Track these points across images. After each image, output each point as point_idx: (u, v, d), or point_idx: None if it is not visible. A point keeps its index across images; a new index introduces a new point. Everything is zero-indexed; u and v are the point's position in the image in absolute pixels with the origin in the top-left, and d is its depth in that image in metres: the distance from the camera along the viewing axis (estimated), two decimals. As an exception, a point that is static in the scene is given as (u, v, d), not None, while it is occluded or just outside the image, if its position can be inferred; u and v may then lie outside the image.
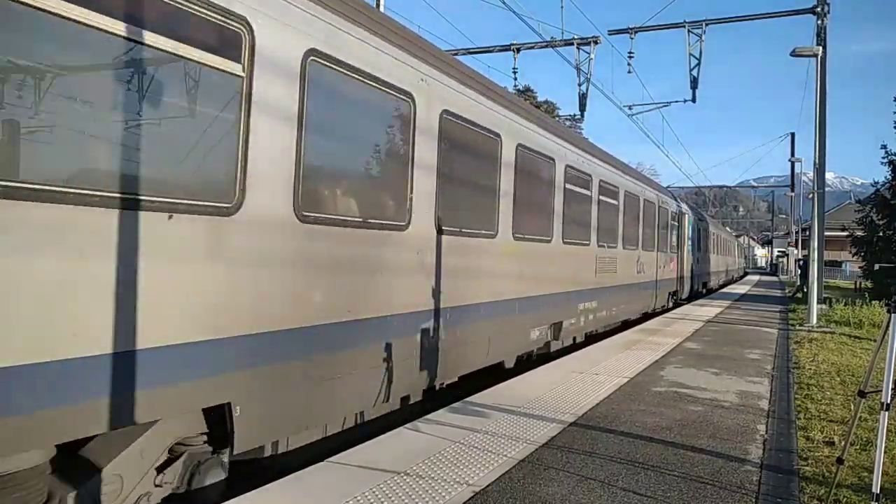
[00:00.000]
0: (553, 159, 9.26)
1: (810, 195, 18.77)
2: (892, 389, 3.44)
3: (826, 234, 19.19)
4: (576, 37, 20.46)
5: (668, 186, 35.33)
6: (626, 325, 13.54)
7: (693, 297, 22.96)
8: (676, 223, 19.29)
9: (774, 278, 54.17)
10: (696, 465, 4.43)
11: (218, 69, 3.72)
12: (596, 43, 20.37)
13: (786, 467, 4.52)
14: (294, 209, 4.30)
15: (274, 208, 4.14)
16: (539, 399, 6.22)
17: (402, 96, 5.52)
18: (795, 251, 42.12)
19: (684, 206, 21.27)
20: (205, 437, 4.00)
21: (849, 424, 4.04)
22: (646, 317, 15.73)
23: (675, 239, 19.10)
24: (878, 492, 3.42)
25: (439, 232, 6.11)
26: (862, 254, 28.09)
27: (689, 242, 21.83)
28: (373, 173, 5.55)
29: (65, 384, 2.93)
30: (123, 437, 3.44)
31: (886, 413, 3.44)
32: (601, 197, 11.40)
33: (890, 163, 26.40)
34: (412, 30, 6.40)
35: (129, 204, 3.19)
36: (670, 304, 19.07)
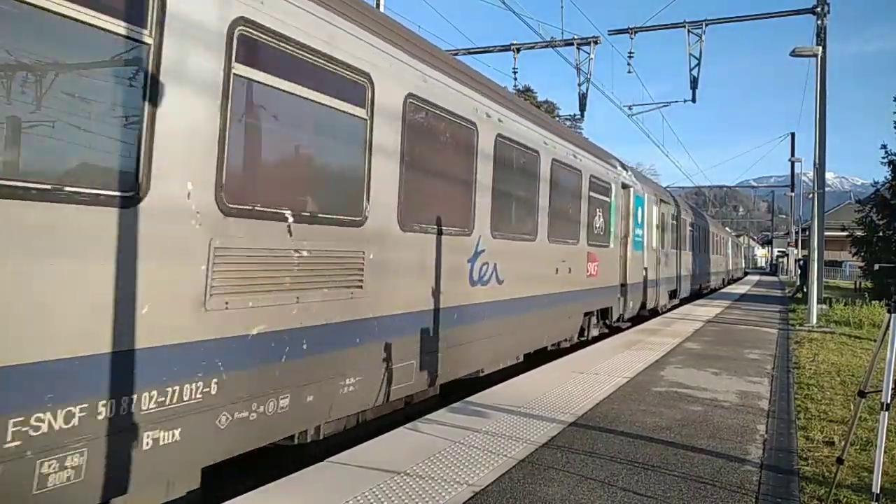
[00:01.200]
0: None
1: (810, 195, 18.77)
2: (892, 389, 3.44)
3: (826, 234, 19.19)
4: (576, 37, 20.53)
5: (667, 186, 35.15)
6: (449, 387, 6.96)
7: (652, 314, 16.00)
8: (610, 199, 12.10)
9: (774, 278, 54.16)
10: (696, 465, 4.43)
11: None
12: (596, 43, 20.41)
13: (786, 467, 4.52)
14: None
15: None
16: (539, 399, 6.22)
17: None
18: (795, 251, 42.16)
19: (627, 175, 13.72)
20: None
21: (849, 424, 4.04)
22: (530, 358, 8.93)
23: (601, 224, 11.48)
24: (878, 492, 3.42)
25: None
26: (862, 254, 28.09)
27: (642, 232, 14.59)
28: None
29: None
30: None
31: (886, 413, 3.44)
32: (345, 105, 4.91)
33: (890, 163, 26.42)
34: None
35: None
36: (593, 334, 11.47)
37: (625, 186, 13.34)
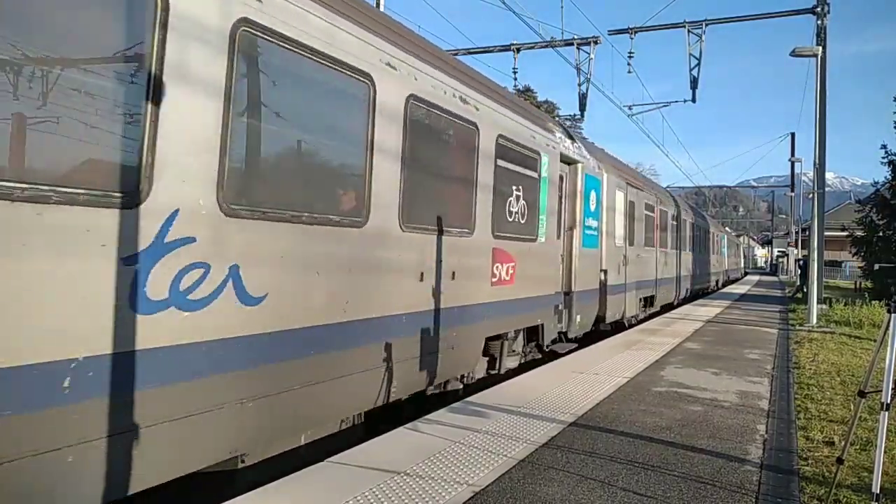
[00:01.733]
0: None
1: (810, 195, 18.77)
2: (892, 389, 3.44)
3: (826, 234, 19.19)
4: (576, 37, 20.53)
5: (667, 186, 35.11)
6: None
7: (617, 328, 12.65)
8: (539, 175, 8.46)
9: (774, 278, 54.17)
10: (696, 465, 4.43)
11: None
12: (596, 43, 20.41)
13: (786, 467, 4.52)
14: None
15: None
16: (539, 399, 6.22)
17: None
18: (795, 251, 42.16)
19: (573, 146, 10.14)
20: None
21: (849, 424, 4.04)
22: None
23: (521, 208, 7.92)
24: (878, 492, 3.42)
25: None
26: (862, 254, 28.11)
27: (598, 223, 11.27)
28: None
29: None
30: None
31: (886, 413, 3.44)
32: None
33: (890, 163, 26.43)
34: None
35: None
36: (508, 366, 8.07)
37: (569, 161, 9.76)
